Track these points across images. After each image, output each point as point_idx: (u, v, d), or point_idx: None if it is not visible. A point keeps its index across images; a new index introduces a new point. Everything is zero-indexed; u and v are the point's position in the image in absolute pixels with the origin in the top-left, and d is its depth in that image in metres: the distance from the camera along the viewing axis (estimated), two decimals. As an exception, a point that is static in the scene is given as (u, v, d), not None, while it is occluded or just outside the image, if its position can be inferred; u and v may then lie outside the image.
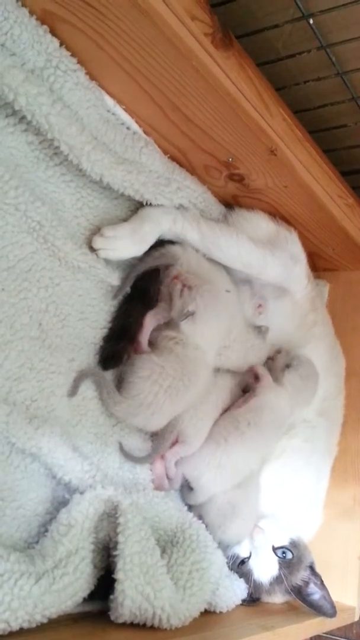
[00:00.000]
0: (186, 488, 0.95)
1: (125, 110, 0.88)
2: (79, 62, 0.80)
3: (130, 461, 0.87)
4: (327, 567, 1.05)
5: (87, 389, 0.85)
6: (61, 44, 0.77)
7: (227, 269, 1.02)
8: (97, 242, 0.86)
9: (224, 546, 0.94)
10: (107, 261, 0.87)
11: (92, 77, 0.82)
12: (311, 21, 0.87)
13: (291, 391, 1.04)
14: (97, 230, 0.87)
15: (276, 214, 1.06)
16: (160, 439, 0.89)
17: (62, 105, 0.77)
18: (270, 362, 1.08)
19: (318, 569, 0.99)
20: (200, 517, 0.93)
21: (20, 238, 0.78)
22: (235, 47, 0.77)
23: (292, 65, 0.96)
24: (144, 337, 0.90)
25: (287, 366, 1.08)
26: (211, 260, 0.98)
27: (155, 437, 0.91)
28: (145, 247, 0.90)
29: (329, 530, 1.12)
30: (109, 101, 0.86)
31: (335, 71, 0.96)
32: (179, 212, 0.94)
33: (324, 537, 1.11)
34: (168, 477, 0.92)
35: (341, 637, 1.40)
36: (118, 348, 0.88)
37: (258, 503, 1.02)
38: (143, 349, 0.90)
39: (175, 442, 0.90)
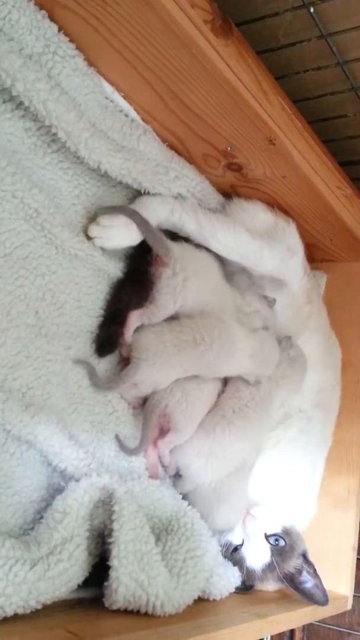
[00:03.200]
0: (176, 475, 0.95)
1: (124, 97, 0.87)
2: (77, 47, 0.79)
3: (123, 452, 0.87)
4: (321, 557, 1.05)
5: (84, 378, 0.85)
6: (60, 30, 0.77)
7: (223, 260, 1.02)
8: (93, 231, 0.86)
9: (217, 534, 0.95)
10: (104, 249, 0.87)
11: (91, 64, 0.82)
12: (312, 9, 0.87)
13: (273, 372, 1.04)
14: (94, 218, 0.87)
15: (274, 204, 1.06)
16: (144, 425, 0.89)
17: (60, 91, 0.76)
18: None
19: (312, 559, 0.99)
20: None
21: (17, 225, 0.78)
22: (235, 34, 0.77)
23: (292, 54, 0.96)
24: (128, 332, 0.89)
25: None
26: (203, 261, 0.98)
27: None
28: (141, 236, 0.90)
29: (323, 521, 1.13)
30: (108, 88, 0.85)
31: (335, 60, 0.96)
32: (176, 202, 0.94)
33: (318, 527, 1.11)
34: (162, 465, 0.93)
35: (333, 626, 1.41)
36: (110, 333, 0.87)
37: (247, 491, 1.02)
38: (127, 342, 0.89)
39: (167, 431, 0.91)
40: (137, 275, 0.91)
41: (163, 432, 0.91)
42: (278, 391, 1.05)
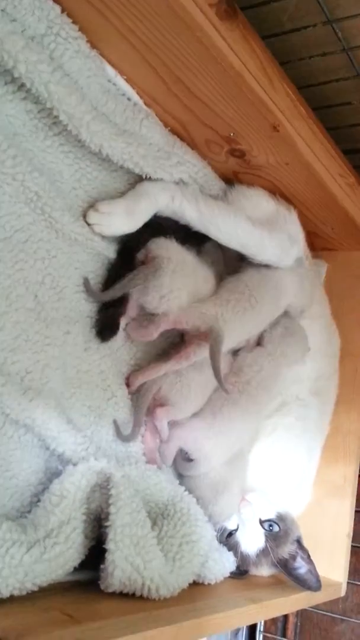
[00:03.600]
0: (185, 460, 0.95)
1: (127, 80, 0.86)
2: (80, 29, 0.78)
3: (118, 438, 0.87)
4: (316, 544, 1.06)
5: (82, 363, 0.85)
6: (63, 11, 0.76)
7: (223, 250, 1.02)
8: (92, 217, 0.85)
9: (213, 519, 0.96)
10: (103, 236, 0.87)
11: (93, 46, 0.81)
12: (318, -6, 0.86)
13: (270, 349, 1.04)
14: (95, 203, 0.87)
15: (276, 192, 1.06)
16: (138, 409, 0.89)
17: (62, 73, 0.75)
18: None
19: (308, 546, 1.00)
20: (189, 490, 0.93)
21: (17, 208, 0.77)
22: (240, 19, 0.76)
23: (297, 39, 0.95)
24: (130, 314, 0.90)
25: None
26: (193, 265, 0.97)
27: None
28: (139, 223, 0.89)
29: (319, 508, 1.14)
30: (110, 71, 0.84)
31: (341, 47, 0.94)
32: (177, 189, 0.93)
33: (314, 514, 1.12)
34: (161, 442, 0.93)
35: (327, 612, 1.43)
36: (109, 315, 0.87)
37: (245, 479, 1.03)
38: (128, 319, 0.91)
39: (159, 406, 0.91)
40: (131, 249, 0.91)
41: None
42: (284, 364, 1.06)
